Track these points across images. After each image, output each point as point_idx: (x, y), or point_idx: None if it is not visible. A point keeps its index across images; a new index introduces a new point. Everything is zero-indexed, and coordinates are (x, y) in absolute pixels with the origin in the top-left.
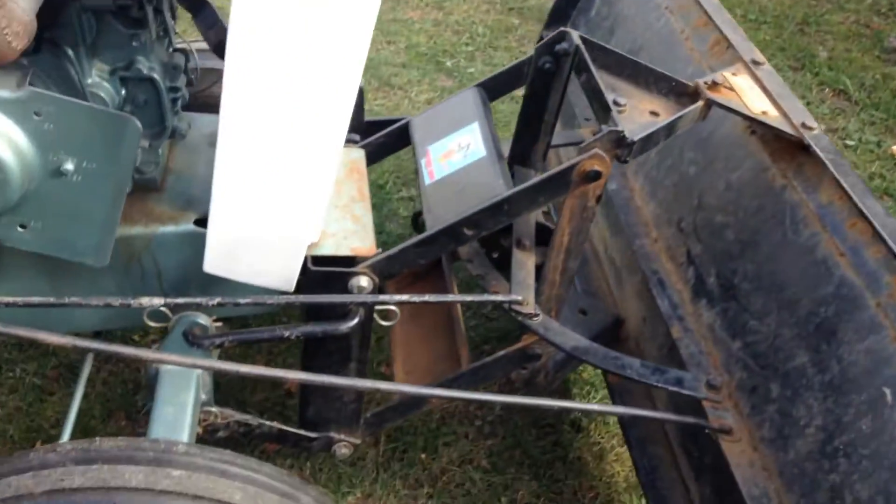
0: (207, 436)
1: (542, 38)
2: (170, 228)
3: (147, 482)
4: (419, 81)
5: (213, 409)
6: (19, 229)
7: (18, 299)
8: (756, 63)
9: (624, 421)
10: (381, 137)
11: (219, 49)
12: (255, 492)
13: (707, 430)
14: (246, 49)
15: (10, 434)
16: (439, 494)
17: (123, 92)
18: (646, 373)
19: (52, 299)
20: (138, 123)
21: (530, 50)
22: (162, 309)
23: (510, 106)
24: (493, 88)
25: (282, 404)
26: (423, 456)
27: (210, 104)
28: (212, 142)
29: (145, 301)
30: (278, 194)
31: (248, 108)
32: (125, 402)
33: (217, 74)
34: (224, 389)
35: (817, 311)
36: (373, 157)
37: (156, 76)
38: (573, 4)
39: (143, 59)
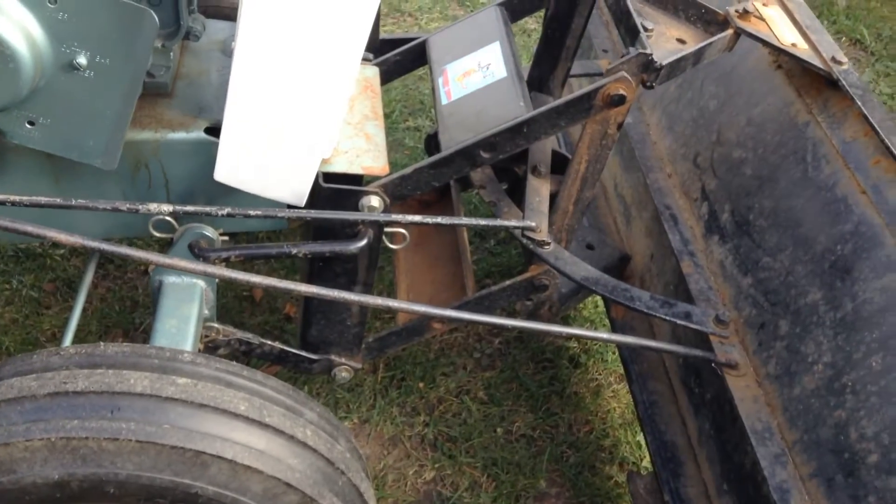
0: (208, 352)
1: None
2: (179, 135)
3: (152, 388)
4: (430, 9)
5: (216, 324)
6: (27, 126)
7: (24, 198)
8: None
9: (625, 356)
10: (397, 55)
11: None
12: (261, 403)
13: (713, 365)
14: None
15: (6, 346)
16: (436, 422)
17: None
18: (654, 305)
19: (58, 200)
20: (155, 17)
21: None
22: (168, 218)
23: (520, 39)
24: (515, 8)
25: (280, 328)
26: (420, 385)
27: (222, 12)
28: (224, 49)
29: (153, 207)
30: (294, 105)
31: (268, 18)
32: (122, 320)
33: None
34: (222, 312)
35: (834, 248)
36: (387, 76)
37: None
38: None
39: None
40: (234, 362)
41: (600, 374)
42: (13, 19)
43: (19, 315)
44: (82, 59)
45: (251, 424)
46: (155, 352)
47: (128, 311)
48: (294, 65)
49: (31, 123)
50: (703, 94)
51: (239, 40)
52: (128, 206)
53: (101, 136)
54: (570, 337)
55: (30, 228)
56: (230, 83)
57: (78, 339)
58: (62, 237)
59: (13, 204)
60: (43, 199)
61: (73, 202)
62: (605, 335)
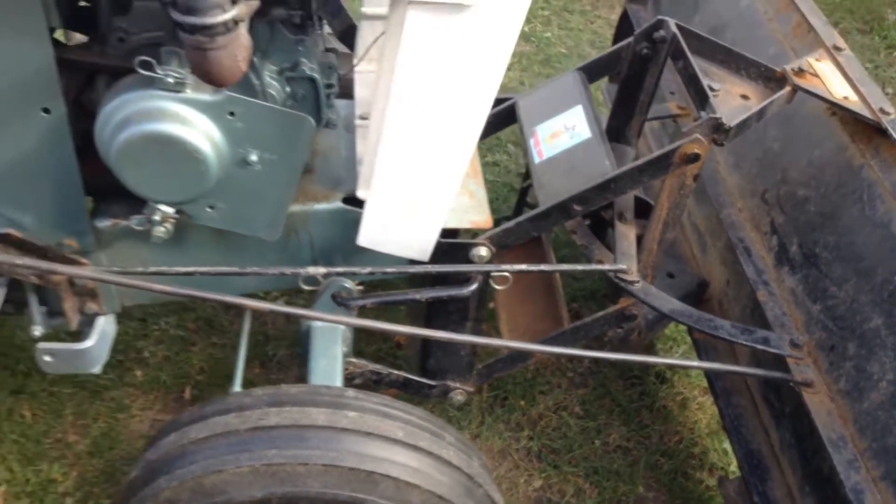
0: (347, 383)
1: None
2: (323, 206)
3: (330, 421)
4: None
5: (353, 359)
6: (208, 210)
7: (210, 269)
8: (837, 49)
9: (710, 374)
10: (490, 116)
11: (344, 36)
12: (412, 430)
13: (790, 384)
14: (413, 70)
15: (163, 379)
16: (539, 436)
17: (288, 89)
18: (736, 333)
19: (236, 268)
20: (313, 122)
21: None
22: (317, 275)
23: None
24: (592, 71)
25: (393, 355)
26: (521, 403)
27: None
28: (347, 125)
29: (311, 270)
30: (428, 180)
31: (409, 116)
32: (259, 353)
33: (346, 60)
34: None
35: (891, 279)
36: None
37: (316, 75)
38: None
39: (305, 61)
40: (386, 397)
41: (685, 388)
42: (201, 129)
43: (170, 352)
44: (253, 157)
45: (408, 448)
46: (326, 390)
47: (262, 345)
48: (428, 148)
49: (211, 207)
50: (767, 137)
51: (384, 131)
52: (292, 270)
53: (267, 214)
54: (663, 366)
55: (210, 295)
56: (375, 167)
57: (224, 370)
58: (252, 303)
59: (201, 274)
60: (225, 269)
61: (248, 269)
62: (695, 363)
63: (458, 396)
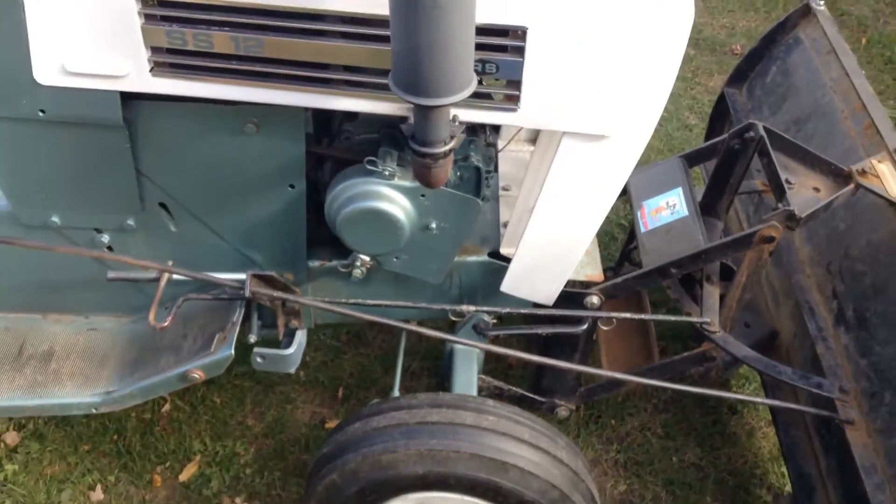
0: (477, 394)
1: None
2: (473, 258)
3: (475, 421)
4: None
5: (483, 376)
6: (394, 259)
7: (392, 302)
8: None
9: (774, 408)
10: None
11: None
12: (535, 434)
13: (837, 421)
14: (562, 180)
15: (321, 380)
16: (625, 450)
17: (459, 174)
18: (795, 378)
19: (409, 303)
20: (480, 203)
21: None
22: (466, 311)
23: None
24: (692, 159)
25: (504, 373)
26: (612, 421)
27: None
28: (493, 194)
29: (463, 307)
30: (561, 253)
31: (554, 209)
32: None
33: None
34: None
35: None
36: None
37: (480, 165)
38: (752, 68)
39: (474, 154)
40: (517, 407)
41: (753, 420)
42: (401, 206)
43: (326, 358)
44: (433, 225)
45: (531, 447)
46: (472, 399)
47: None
48: (565, 232)
49: (397, 258)
50: (835, 217)
51: (535, 219)
52: (450, 307)
53: (437, 266)
54: (734, 400)
55: (388, 321)
56: (524, 238)
57: (368, 377)
58: (411, 328)
59: (387, 306)
60: (403, 303)
61: (419, 305)
62: (760, 400)
63: (563, 412)
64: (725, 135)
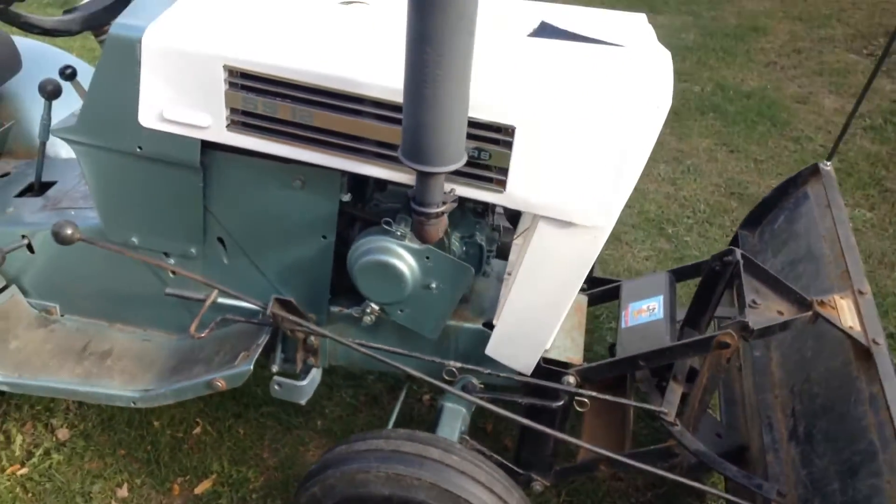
0: None
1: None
2: (468, 325)
3: (441, 458)
4: (642, 241)
5: (466, 437)
6: (399, 311)
7: (394, 349)
8: (861, 293)
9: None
10: (599, 291)
11: (511, 218)
12: (492, 480)
13: None
14: (537, 257)
15: (335, 431)
16: None
17: (464, 248)
18: (739, 476)
19: (405, 351)
20: (473, 270)
21: None
22: (454, 368)
23: None
24: (679, 274)
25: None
26: None
27: None
28: (499, 277)
29: (452, 363)
30: (542, 318)
31: (529, 285)
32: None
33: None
34: None
35: (851, 458)
36: (591, 302)
37: (482, 243)
38: (765, 215)
39: (478, 234)
40: (481, 457)
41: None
42: (408, 263)
43: (343, 413)
44: (433, 284)
45: (486, 489)
46: (443, 440)
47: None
48: (539, 306)
49: (401, 311)
50: (806, 346)
51: (513, 291)
52: (440, 360)
53: (434, 321)
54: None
55: (391, 362)
56: (504, 310)
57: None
58: (410, 370)
59: (386, 351)
60: (400, 350)
61: (414, 353)
62: (715, 491)
63: (538, 486)
64: (709, 258)
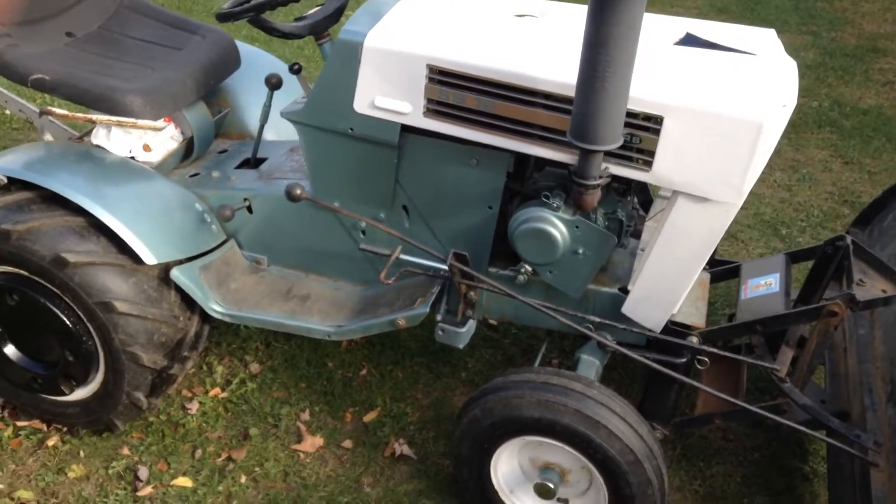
0: None
1: (847, 231)
2: (605, 289)
3: (583, 390)
4: (757, 240)
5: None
6: (548, 273)
7: (545, 304)
8: None
9: (829, 463)
10: (721, 270)
11: (643, 205)
12: (625, 411)
13: (866, 462)
14: (674, 228)
15: (477, 382)
16: (706, 486)
17: (606, 223)
18: (841, 426)
19: (553, 306)
20: (615, 239)
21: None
22: (593, 324)
23: None
24: (795, 257)
25: None
26: (700, 464)
27: None
28: (632, 252)
29: (591, 317)
30: (673, 287)
31: (665, 253)
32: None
33: (640, 219)
34: None
35: None
36: (713, 279)
37: (623, 219)
38: (875, 215)
39: (620, 210)
40: (616, 394)
41: (822, 492)
42: (560, 231)
43: (483, 368)
44: (580, 250)
45: (620, 418)
46: (584, 378)
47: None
48: (671, 271)
49: (550, 272)
50: None
51: (650, 257)
52: (582, 315)
53: (578, 283)
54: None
55: (547, 311)
56: (641, 274)
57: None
58: (561, 319)
59: (543, 307)
60: (552, 306)
61: (560, 308)
62: (817, 435)
63: (657, 434)
64: (823, 242)
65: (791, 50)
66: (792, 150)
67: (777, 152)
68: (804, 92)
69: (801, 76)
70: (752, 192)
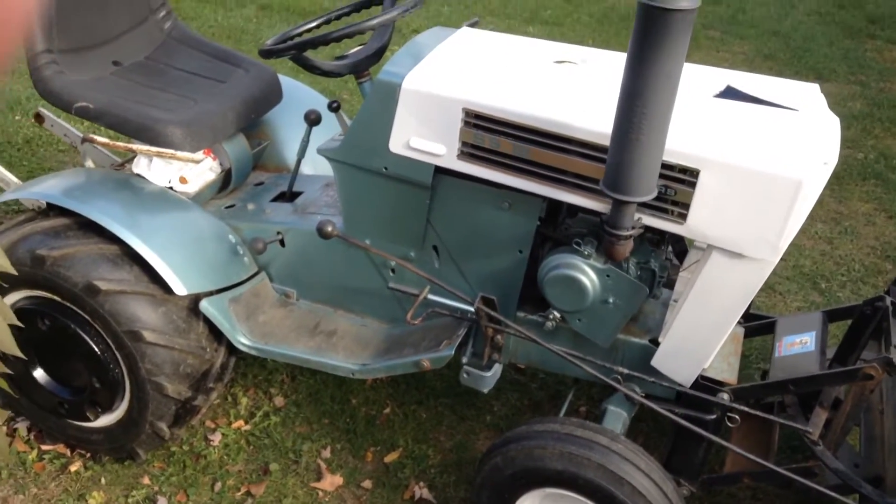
0: None
1: (888, 290)
2: (636, 340)
3: (608, 444)
4: (795, 293)
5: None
6: (577, 321)
7: (575, 353)
8: None
9: None
10: (755, 325)
11: (678, 255)
12: (650, 467)
13: None
14: (707, 284)
15: (502, 427)
16: None
17: (639, 273)
18: (875, 495)
19: (581, 355)
20: (647, 290)
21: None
22: (621, 375)
23: None
24: (832, 315)
25: None
26: None
27: None
28: (665, 303)
29: (621, 368)
30: (704, 341)
31: (696, 309)
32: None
33: (674, 269)
34: None
35: None
36: (747, 335)
37: (655, 269)
38: None
39: (653, 261)
40: (642, 449)
41: None
42: (591, 279)
43: (509, 413)
44: (611, 300)
45: (645, 475)
46: (610, 432)
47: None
48: (703, 329)
49: (580, 320)
50: None
51: (682, 312)
52: (611, 365)
53: (608, 332)
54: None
55: (574, 361)
56: (672, 326)
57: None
58: (589, 369)
59: (570, 355)
60: (577, 354)
61: (588, 358)
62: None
63: (684, 491)
64: (861, 303)
65: (838, 100)
66: (835, 202)
67: (819, 204)
68: (850, 143)
69: (848, 127)
70: (792, 244)
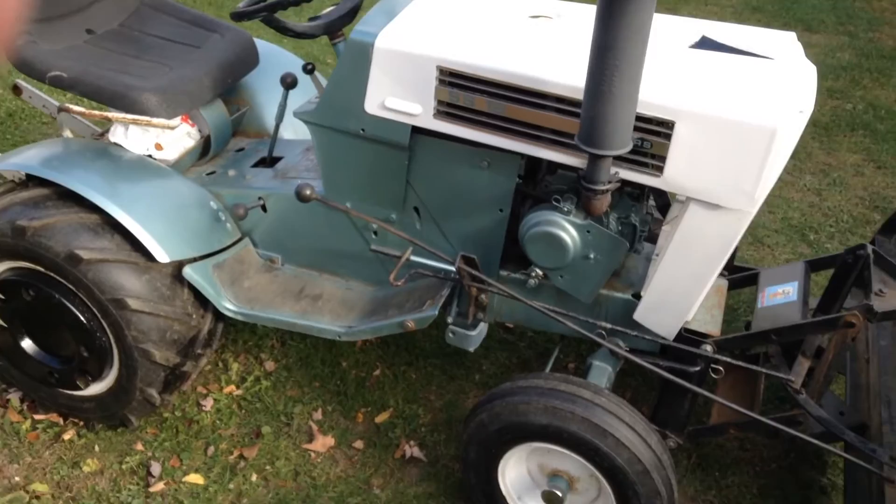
0: None
1: (873, 238)
2: (618, 294)
3: (591, 398)
4: (784, 245)
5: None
6: (559, 277)
7: (556, 309)
8: None
9: (847, 478)
10: (739, 277)
11: (661, 209)
12: (634, 419)
13: (881, 477)
14: (685, 235)
15: (490, 385)
16: (721, 497)
17: (619, 228)
18: (856, 440)
19: (565, 311)
20: (627, 245)
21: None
22: (604, 330)
23: None
24: (815, 265)
25: None
26: (716, 473)
27: None
28: (648, 257)
29: (603, 323)
30: (686, 294)
31: (676, 258)
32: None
33: (657, 223)
34: None
35: None
36: (731, 286)
37: (636, 224)
38: None
39: (633, 215)
40: (625, 401)
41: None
42: (571, 235)
43: (497, 371)
44: (591, 255)
45: (628, 427)
46: (593, 384)
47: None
48: (684, 278)
49: (561, 276)
50: None
51: (663, 262)
52: (594, 321)
53: (590, 288)
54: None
55: (555, 318)
56: (654, 280)
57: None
58: (572, 326)
59: (555, 312)
60: (562, 311)
61: (570, 313)
62: (832, 448)
63: (671, 443)
64: (843, 251)
65: (827, 50)
66: (823, 153)
67: (808, 155)
68: (838, 94)
69: (836, 77)
70: (780, 196)
